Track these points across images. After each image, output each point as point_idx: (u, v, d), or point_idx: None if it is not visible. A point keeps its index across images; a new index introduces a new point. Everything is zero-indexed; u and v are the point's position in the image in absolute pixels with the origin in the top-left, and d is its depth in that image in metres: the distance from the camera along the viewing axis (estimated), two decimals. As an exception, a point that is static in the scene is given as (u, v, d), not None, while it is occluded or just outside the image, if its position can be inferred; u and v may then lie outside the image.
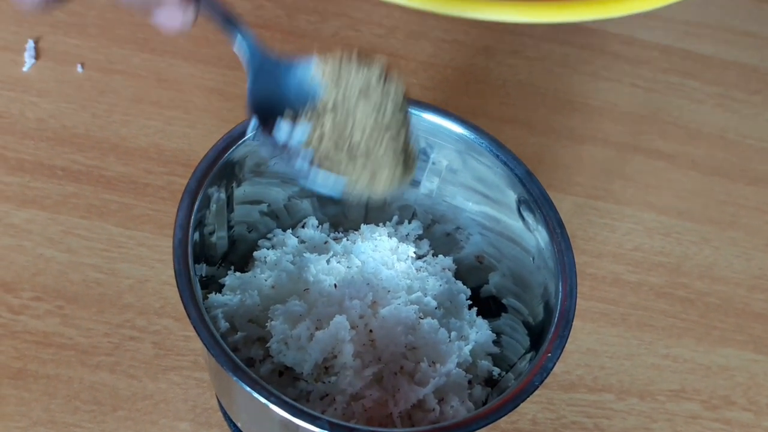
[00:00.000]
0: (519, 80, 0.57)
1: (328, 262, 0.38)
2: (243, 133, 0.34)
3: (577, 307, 0.33)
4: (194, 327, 0.29)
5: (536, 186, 0.35)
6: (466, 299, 0.39)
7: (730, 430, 0.44)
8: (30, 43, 0.51)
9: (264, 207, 0.39)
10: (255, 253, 0.39)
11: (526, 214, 0.36)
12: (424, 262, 0.40)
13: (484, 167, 0.37)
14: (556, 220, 0.35)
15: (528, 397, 0.29)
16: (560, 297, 0.32)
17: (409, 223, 0.41)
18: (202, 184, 0.33)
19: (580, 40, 0.60)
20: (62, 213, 0.44)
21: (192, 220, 0.32)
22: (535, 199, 0.35)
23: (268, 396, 0.28)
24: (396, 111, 0.30)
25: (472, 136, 0.37)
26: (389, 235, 0.39)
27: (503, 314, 0.39)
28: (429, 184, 0.40)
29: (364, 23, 0.57)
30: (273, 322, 0.35)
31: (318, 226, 0.41)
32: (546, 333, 0.32)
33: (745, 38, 0.63)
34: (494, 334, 0.38)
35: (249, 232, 0.40)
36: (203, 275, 0.36)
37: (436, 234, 0.42)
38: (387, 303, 0.36)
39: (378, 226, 0.40)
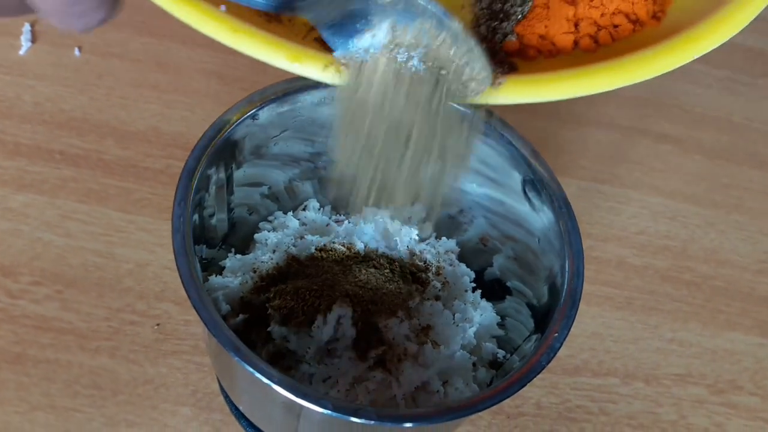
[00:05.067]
0: (522, 63, 0.56)
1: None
2: (242, 113, 0.34)
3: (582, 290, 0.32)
4: (194, 307, 0.28)
5: (542, 165, 0.35)
6: (470, 282, 0.39)
7: (736, 414, 0.43)
8: (26, 27, 0.50)
9: (265, 189, 0.39)
10: (256, 236, 0.38)
11: (532, 195, 0.35)
12: (427, 244, 0.39)
13: (488, 148, 0.36)
14: (562, 199, 0.34)
15: (535, 377, 0.29)
16: (567, 277, 0.32)
17: (412, 205, 0.41)
18: (200, 163, 0.32)
19: (584, 23, 0.59)
20: (60, 197, 0.44)
21: (191, 199, 0.31)
22: (541, 178, 0.35)
23: (272, 377, 0.27)
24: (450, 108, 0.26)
25: (476, 115, 0.36)
26: (392, 218, 0.39)
27: (508, 297, 0.38)
28: (432, 165, 0.39)
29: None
30: (274, 304, 0.34)
31: (319, 209, 0.40)
32: (552, 314, 0.32)
33: (752, 21, 0.62)
34: (499, 317, 0.37)
35: (249, 214, 0.39)
36: (203, 257, 0.36)
37: (440, 217, 0.41)
38: (390, 285, 0.36)
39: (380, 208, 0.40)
